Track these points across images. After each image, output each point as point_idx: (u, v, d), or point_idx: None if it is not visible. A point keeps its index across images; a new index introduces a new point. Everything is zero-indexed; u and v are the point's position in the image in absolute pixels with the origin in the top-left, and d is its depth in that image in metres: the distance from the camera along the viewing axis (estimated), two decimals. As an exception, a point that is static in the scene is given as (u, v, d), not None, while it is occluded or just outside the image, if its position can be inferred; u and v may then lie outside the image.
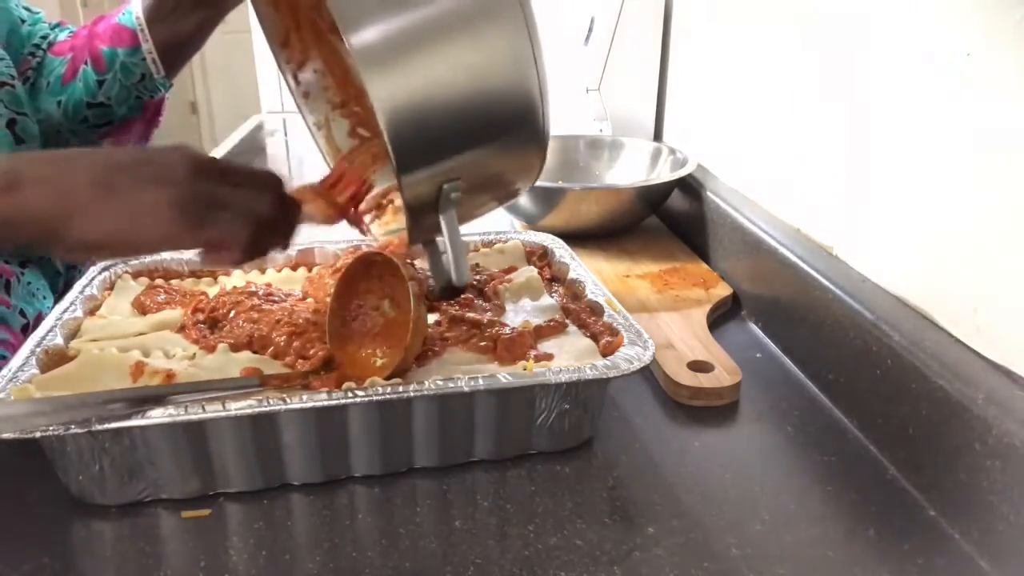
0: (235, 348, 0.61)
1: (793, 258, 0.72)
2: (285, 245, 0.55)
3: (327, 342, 0.60)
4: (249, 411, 0.50)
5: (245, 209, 0.51)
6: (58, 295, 0.82)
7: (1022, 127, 0.50)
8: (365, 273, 0.62)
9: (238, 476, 0.54)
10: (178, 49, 0.79)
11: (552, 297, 0.70)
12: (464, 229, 0.81)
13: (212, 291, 0.70)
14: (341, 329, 0.61)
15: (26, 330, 0.74)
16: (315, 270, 0.75)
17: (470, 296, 0.69)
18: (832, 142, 0.72)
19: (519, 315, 0.67)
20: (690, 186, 0.97)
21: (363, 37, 0.45)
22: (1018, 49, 0.50)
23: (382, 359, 0.59)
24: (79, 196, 0.48)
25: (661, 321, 0.75)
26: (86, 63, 0.78)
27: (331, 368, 0.59)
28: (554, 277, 0.75)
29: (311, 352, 0.60)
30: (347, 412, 0.53)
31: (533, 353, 0.61)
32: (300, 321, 0.63)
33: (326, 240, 0.77)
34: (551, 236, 0.79)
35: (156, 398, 0.51)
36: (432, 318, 0.66)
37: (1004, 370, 0.51)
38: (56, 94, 0.79)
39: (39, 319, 0.75)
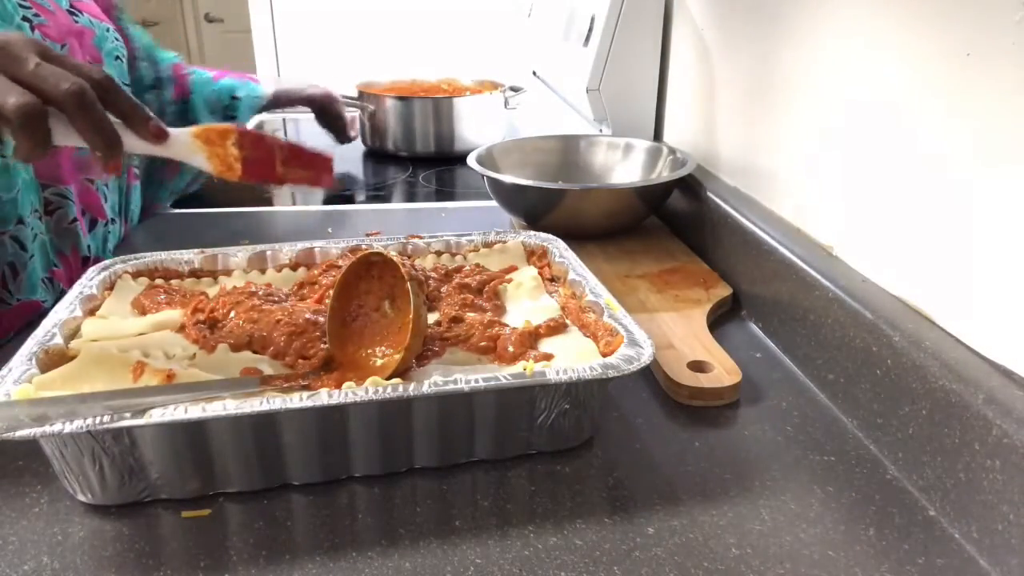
0: (235, 348, 0.61)
1: (793, 258, 0.72)
2: (39, 148, 0.51)
3: (327, 342, 0.60)
4: (249, 411, 0.50)
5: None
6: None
7: (1021, 127, 0.50)
8: (365, 273, 0.62)
9: (238, 476, 0.54)
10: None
11: (552, 297, 0.70)
12: (464, 228, 0.82)
13: (212, 291, 0.70)
14: (341, 329, 0.61)
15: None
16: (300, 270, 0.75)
17: (470, 296, 0.69)
18: (832, 141, 0.72)
19: (519, 315, 0.67)
20: (690, 186, 0.97)
21: None
22: (1018, 49, 0.50)
23: (382, 359, 0.59)
24: None
25: (661, 321, 0.75)
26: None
27: (331, 368, 0.59)
28: (554, 277, 0.75)
29: (311, 352, 0.60)
30: (347, 412, 0.53)
31: (533, 353, 0.61)
32: (300, 321, 0.63)
33: (326, 240, 0.77)
34: (551, 236, 0.79)
35: (156, 398, 0.51)
36: (432, 318, 0.66)
37: (1004, 370, 0.51)
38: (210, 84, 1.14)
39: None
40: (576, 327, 0.65)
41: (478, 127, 1.42)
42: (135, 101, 0.55)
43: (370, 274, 0.62)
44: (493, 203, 1.02)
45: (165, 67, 1.07)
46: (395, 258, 0.61)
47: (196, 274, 0.74)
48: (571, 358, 0.60)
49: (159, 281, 0.72)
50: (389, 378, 0.55)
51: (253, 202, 1.18)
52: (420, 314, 0.58)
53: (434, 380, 0.53)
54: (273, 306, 0.65)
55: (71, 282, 0.69)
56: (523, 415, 0.56)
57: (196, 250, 0.75)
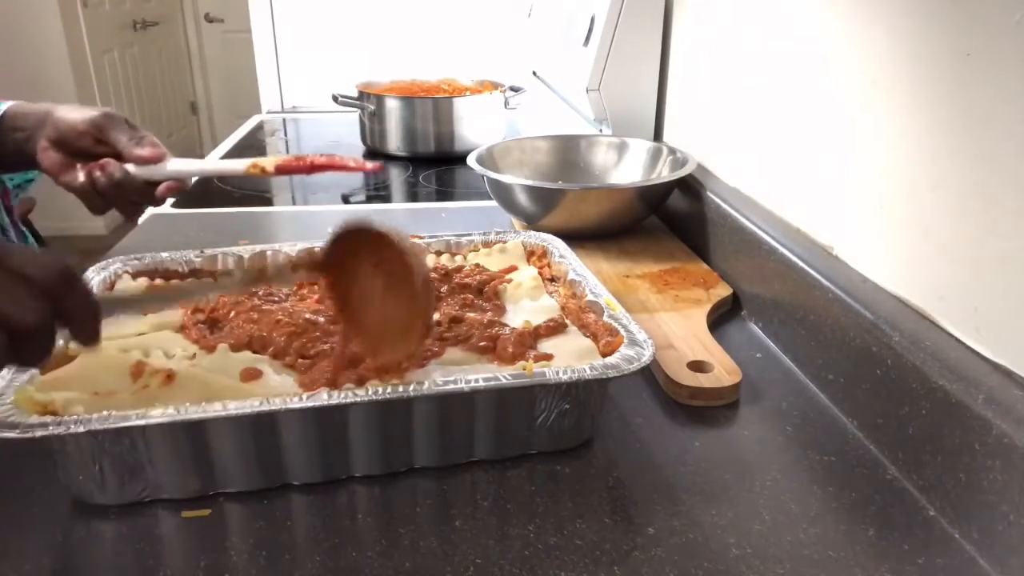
0: (235, 348, 0.61)
1: (793, 258, 0.72)
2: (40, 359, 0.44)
3: (347, 343, 0.58)
4: (249, 411, 0.50)
5: None
6: None
7: (1021, 127, 0.50)
8: (350, 264, 0.58)
9: (238, 476, 0.54)
10: None
11: (552, 297, 0.70)
12: (464, 228, 0.82)
13: (212, 291, 0.70)
14: (355, 322, 0.58)
15: None
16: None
17: (470, 296, 0.69)
18: (832, 142, 0.72)
19: (519, 315, 0.67)
20: (690, 186, 0.97)
21: None
22: (1018, 49, 0.50)
23: (401, 335, 0.56)
24: None
25: (661, 321, 0.75)
26: None
27: (357, 363, 0.56)
28: (554, 277, 0.75)
29: (311, 352, 0.60)
30: (347, 412, 0.53)
31: (533, 353, 0.61)
32: (300, 321, 0.63)
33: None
34: (551, 236, 0.79)
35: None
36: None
37: (1004, 370, 0.51)
38: None
39: None
40: (576, 327, 0.65)
41: (478, 127, 1.42)
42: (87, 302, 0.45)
43: (356, 261, 0.58)
44: (493, 203, 1.02)
45: None
46: (384, 230, 0.56)
47: (196, 274, 0.74)
48: (571, 358, 0.60)
49: (159, 281, 0.72)
50: (417, 343, 0.56)
51: (253, 202, 1.18)
52: (423, 278, 0.55)
53: (434, 380, 0.53)
54: (273, 306, 0.65)
55: None
56: (523, 415, 0.56)
57: (196, 250, 0.75)
